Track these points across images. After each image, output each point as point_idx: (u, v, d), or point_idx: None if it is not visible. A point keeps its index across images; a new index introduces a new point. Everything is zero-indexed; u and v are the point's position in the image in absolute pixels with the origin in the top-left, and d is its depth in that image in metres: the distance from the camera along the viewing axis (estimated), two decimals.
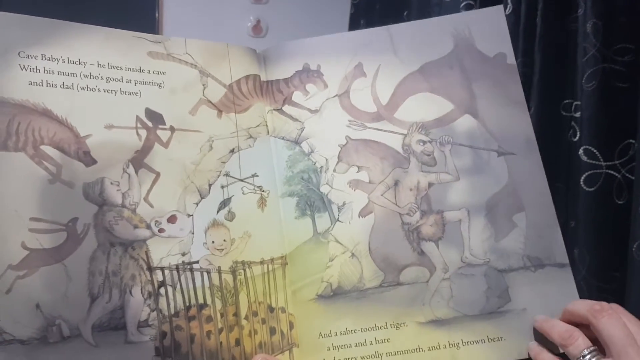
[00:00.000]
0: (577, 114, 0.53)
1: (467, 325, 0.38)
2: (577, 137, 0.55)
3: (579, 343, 0.33)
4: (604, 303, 0.34)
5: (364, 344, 0.37)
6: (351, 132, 0.41)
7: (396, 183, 0.41)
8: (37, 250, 0.32)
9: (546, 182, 0.41)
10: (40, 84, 0.34)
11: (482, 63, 0.42)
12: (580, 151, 0.55)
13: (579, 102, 0.52)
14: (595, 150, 0.54)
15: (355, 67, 0.42)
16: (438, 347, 0.37)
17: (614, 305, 0.34)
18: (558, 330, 0.35)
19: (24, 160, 0.32)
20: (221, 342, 0.35)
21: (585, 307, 0.34)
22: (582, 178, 0.54)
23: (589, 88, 0.52)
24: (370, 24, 1.01)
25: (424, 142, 0.41)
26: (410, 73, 0.42)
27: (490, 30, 0.43)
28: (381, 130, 0.41)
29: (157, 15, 2.21)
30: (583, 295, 0.53)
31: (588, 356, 0.32)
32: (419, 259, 0.39)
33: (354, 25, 1.11)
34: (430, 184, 0.40)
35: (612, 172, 0.52)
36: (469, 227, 0.40)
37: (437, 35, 0.43)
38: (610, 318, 0.32)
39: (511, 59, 0.42)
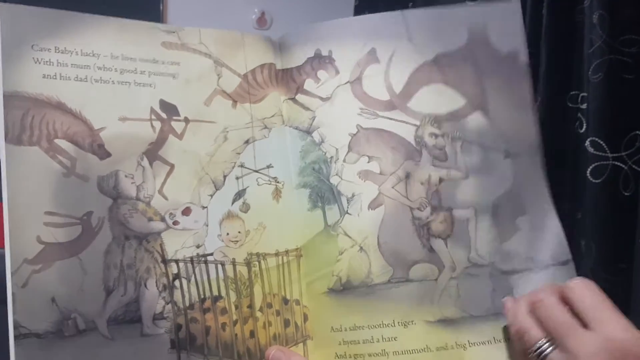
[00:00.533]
0: (584, 106, 0.53)
1: (474, 326, 0.37)
2: (583, 129, 0.55)
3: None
4: (535, 294, 0.33)
5: (371, 341, 0.37)
6: (363, 120, 0.40)
7: (407, 176, 0.39)
8: (52, 245, 0.31)
9: (547, 187, 0.41)
10: (54, 77, 0.34)
11: (494, 60, 0.41)
12: (587, 143, 0.55)
13: (585, 94, 0.53)
14: (601, 142, 0.54)
15: (368, 53, 0.41)
16: (446, 348, 0.37)
17: (548, 289, 0.33)
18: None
19: (39, 154, 0.32)
20: (236, 334, 0.35)
21: (525, 302, 0.33)
22: (589, 170, 0.55)
23: (595, 79, 0.52)
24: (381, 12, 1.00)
25: (436, 136, 0.40)
26: (425, 62, 0.41)
27: (506, 26, 0.42)
28: (394, 119, 0.40)
29: (161, 7, 2.20)
30: None
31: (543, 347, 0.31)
32: (429, 255, 0.38)
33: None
34: (441, 180, 0.40)
35: (618, 163, 0.53)
36: (475, 227, 0.39)
37: (452, 25, 0.42)
38: (545, 311, 0.31)
39: (524, 57, 0.42)
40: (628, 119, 0.53)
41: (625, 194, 0.53)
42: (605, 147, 0.51)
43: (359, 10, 1.10)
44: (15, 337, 0.30)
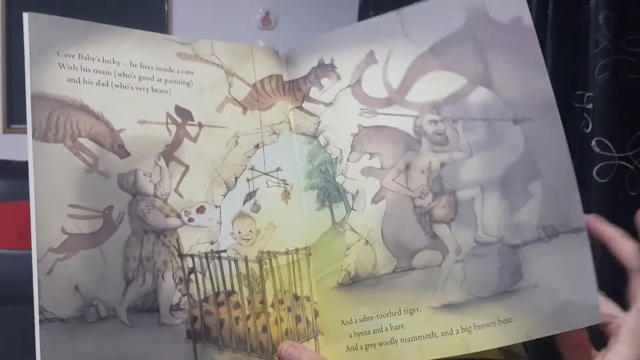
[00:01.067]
0: (589, 106, 0.54)
1: (478, 308, 0.36)
2: (589, 129, 0.56)
3: None
4: None
5: (380, 330, 0.37)
6: (363, 120, 0.41)
7: (408, 166, 0.40)
8: (76, 235, 0.33)
9: (565, 143, 0.38)
10: (78, 81, 0.36)
11: (496, 31, 0.40)
12: (593, 142, 0.56)
13: (591, 94, 0.53)
14: (607, 142, 0.54)
15: (366, 56, 0.42)
16: (450, 333, 0.36)
17: None
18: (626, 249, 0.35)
19: (63, 151, 0.34)
20: (249, 328, 0.37)
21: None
22: (595, 169, 0.55)
23: (601, 79, 0.52)
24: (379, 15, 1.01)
25: (436, 122, 0.40)
26: (421, 54, 0.41)
27: None
28: (392, 114, 0.41)
29: (166, 7, 2.21)
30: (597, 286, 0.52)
31: None
32: (432, 242, 0.38)
33: (363, 16, 1.11)
34: (442, 164, 0.39)
35: (624, 163, 0.53)
36: (482, 205, 0.38)
37: (448, 10, 0.41)
38: None
39: (528, 21, 0.40)
40: (634, 119, 0.53)
41: (631, 193, 0.53)
42: (611, 147, 0.52)
43: (363, 9, 1.11)
44: (40, 321, 0.31)
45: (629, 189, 0.53)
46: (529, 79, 0.39)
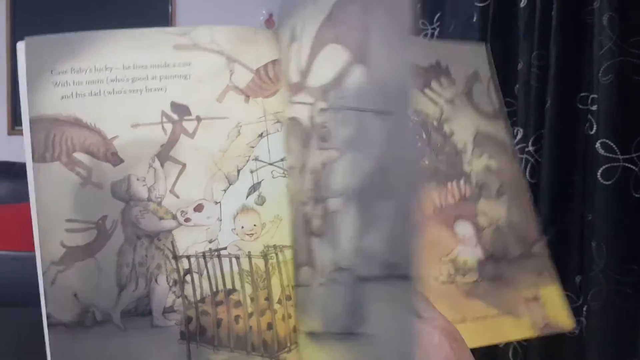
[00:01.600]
0: (594, 107, 0.53)
1: (331, 345, 0.31)
2: (593, 131, 0.55)
3: None
4: None
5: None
6: (289, 111, 0.36)
7: (303, 167, 0.34)
8: (73, 248, 0.35)
9: (417, 156, 0.30)
10: (71, 96, 0.36)
11: None
12: (597, 144, 0.55)
13: (595, 95, 0.52)
14: (612, 144, 0.54)
15: (290, 33, 0.36)
16: None
17: None
18: None
19: (60, 168, 0.35)
20: (251, 327, 0.36)
21: None
22: (599, 171, 0.55)
23: (605, 81, 0.52)
24: None
25: (324, 111, 0.33)
26: (322, 23, 0.33)
27: None
28: (298, 103, 0.35)
29: (170, 9, 2.22)
30: (601, 287, 0.52)
31: None
32: (309, 257, 0.33)
33: None
34: (323, 165, 0.32)
35: (629, 165, 0.52)
36: (343, 220, 0.30)
37: None
38: None
39: None
40: (638, 121, 0.53)
41: (636, 195, 0.52)
42: (615, 148, 0.51)
43: None
44: (48, 325, 0.34)
45: (633, 191, 0.53)
46: (398, 51, 0.28)
